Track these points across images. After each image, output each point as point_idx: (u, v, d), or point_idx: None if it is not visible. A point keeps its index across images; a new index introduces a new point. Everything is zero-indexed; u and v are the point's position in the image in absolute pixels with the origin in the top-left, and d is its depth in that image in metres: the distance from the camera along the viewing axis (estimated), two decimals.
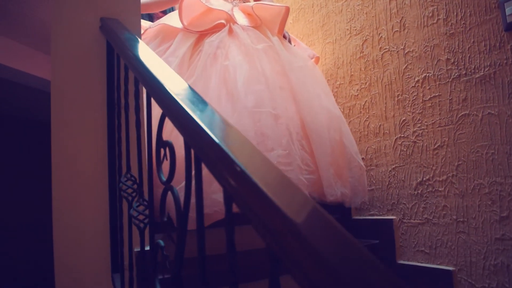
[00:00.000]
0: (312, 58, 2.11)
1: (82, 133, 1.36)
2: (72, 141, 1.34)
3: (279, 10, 1.89)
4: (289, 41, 2.03)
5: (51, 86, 1.38)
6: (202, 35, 1.83)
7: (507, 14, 1.43)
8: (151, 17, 3.17)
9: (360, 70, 1.99)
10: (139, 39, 1.22)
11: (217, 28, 1.84)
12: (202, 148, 0.61)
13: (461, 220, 1.56)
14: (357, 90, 2.00)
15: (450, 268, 1.58)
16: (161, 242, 0.98)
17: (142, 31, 1.96)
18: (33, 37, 2.92)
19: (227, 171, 0.53)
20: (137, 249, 1.34)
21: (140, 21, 1.51)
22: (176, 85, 0.81)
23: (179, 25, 1.83)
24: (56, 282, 1.31)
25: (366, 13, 1.95)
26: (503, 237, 1.43)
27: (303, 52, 2.10)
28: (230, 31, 1.83)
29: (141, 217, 1.14)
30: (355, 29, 2.02)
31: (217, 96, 1.61)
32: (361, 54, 1.98)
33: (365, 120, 1.95)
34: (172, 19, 1.89)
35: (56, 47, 1.40)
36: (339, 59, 2.12)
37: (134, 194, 1.23)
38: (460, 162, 1.57)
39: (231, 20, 1.86)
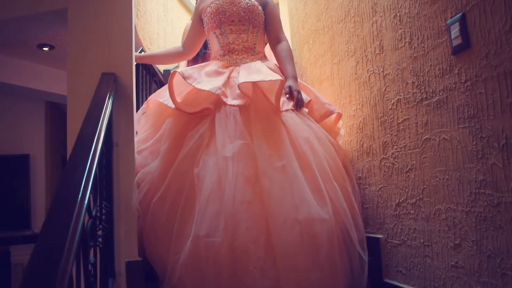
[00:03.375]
0: (330, 116, 2.06)
1: None
2: None
3: (271, 84, 1.78)
4: (296, 103, 1.84)
5: (67, 125, 1.80)
6: (191, 119, 1.84)
7: (452, 37, 1.41)
8: None
9: (355, 91, 2.04)
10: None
11: (207, 111, 1.83)
12: None
13: (427, 244, 1.56)
14: (354, 110, 2.06)
15: None
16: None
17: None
18: None
19: None
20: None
21: (132, 72, 1.82)
22: None
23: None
24: None
25: (357, 35, 2.00)
26: (456, 265, 1.42)
27: (320, 108, 2.02)
28: (212, 123, 1.77)
29: (100, 239, 1.47)
30: (351, 51, 2.07)
31: (188, 212, 1.61)
32: (356, 76, 2.03)
33: (360, 140, 2.01)
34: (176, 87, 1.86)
35: (70, 94, 1.81)
36: (341, 79, 2.19)
37: (105, 219, 1.57)
38: (425, 186, 1.57)
39: (219, 102, 1.81)
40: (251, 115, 1.78)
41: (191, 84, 1.78)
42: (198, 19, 2.23)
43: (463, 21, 1.36)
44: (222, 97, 1.80)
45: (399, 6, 1.67)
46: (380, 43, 1.81)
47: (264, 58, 2.15)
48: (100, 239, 1.46)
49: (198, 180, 1.63)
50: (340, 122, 2.16)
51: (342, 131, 2.16)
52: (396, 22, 1.70)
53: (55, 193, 1.03)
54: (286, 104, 1.87)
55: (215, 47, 2.15)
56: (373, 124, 1.89)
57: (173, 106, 1.83)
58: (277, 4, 4.15)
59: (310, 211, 1.57)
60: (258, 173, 1.62)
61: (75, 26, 1.84)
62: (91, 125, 1.32)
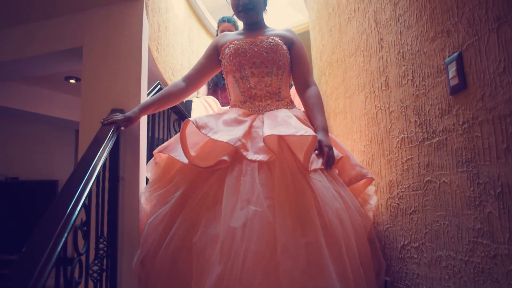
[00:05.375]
0: (361, 180, 1.79)
1: None
2: None
3: (302, 139, 1.57)
4: (327, 161, 1.64)
5: (78, 150, 1.87)
6: (201, 173, 1.65)
7: (450, 77, 1.36)
8: None
9: (365, 126, 2.00)
10: None
11: (222, 164, 1.61)
12: None
13: None
14: (364, 146, 2.01)
15: None
16: None
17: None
18: None
19: None
20: None
21: None
22: None
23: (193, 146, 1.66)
24: None
25: (366, 70, 1.97)
26: None
27: (351, 170, 1.77)
28: (221, 181, 1.57)
29: (95, 275, 1.50)
30: (360, 86, 2.04)
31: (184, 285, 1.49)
32: (365, 111, 1.99)
33: None
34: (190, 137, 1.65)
35: (83, 128, 1.90)
36: (353, 113, 2.15)
37: (104, 255, 1.61)
38: (427, 230, 1.50)
39: (237, 155, 1.61)
40: (274, 174, 1.54)
41: (206, 135, 1.57)
42: (213, 52, 2.00)
43: (459, 61, 1.31)
44: (241, 150, 1.58)
45: (402, 42, 1.63)
46: (386, 79, 1.77)
47: (290, 104, 1.93)
48: (95, 274, 1.49)
49: (196, 250, 1.46)
50: (372, 188, 1.87)
51: (373, 199, 1.87)
52: (400, 59, 1.66)
53: (32, 236, 1.06)
54: (314, 162, 1.63)
55: (234, 93, 1.94)
56: (380, 162, 1.84)
57: (186, 161, 1.63)
58: (307, 32, 4.16)
59: None
60: (276, 249, 1.37)
61: (88, 63, 1.94)
62: (84, 164, 1.36)
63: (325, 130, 1.74)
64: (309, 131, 1.56)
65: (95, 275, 1.48)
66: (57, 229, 1.05)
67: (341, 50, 2.30)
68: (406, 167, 1.63)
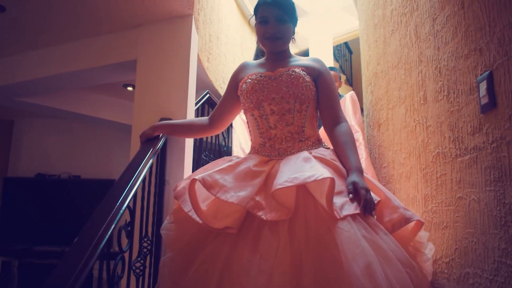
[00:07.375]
0: (406, 224, 1.46)
1: None
2: None
3: (319, 186, 1.38)
4: (365, 206, 1.39)
5: (130, 155, 2.04)
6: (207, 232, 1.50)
7: (481, 95, 1.36)
8: None
9: (405, 139, 2.01)
10: None
11: (230, 230, 1.45)
12: None
13: None
14: (404, 158, 2.02)
15: None
16: None
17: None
18: None
19: None
20: None
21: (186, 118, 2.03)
22: None
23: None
24: None
25: (407, 83, 1.98)
26: None
27: (393, 214, 1.47)
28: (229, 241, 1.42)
29: (138, 270, 1.66)
30: (401, 98, 2.05)
31: None
32: (405, 123, 2.00)
33: (407, 189, 1.96)
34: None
35: (134, 136, 2.07)
36: (395, 125, 2.16)
37: (147, 252, 1.76)
38: (457, 246, 1.51)
39: (248, 214, 1.45)
40: (281, 237, 1.35)
41: (215, 195, 1.41)
42: (232, 87, 1.83)
43: (490, 80, 1.31)
44: (255, 210, 1.40)
45: (439, 58, 1.64)
46: (424, 94, 1.79)
47: (316, 143, 1.69)
48: (137, 270, 1.65)
49: None
50: (424, 235, 1.55)
51: (429, 248, 1.54)
52: (437, 74, 1.67)
53: (80, 233, 1.22)
54: (346, 207, 1.37)
55: (254, 134, 1.75)
56: (417, 175, 1.85)
57: (199, 220, 1.46)
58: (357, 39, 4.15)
59: None
60: None
61: (141, 75, 2.12)
62: (130, 171, 1.52)
63: (360, 171, 1.53)
64: (325, 174, 1.35)
65: (137, 271, 1.63)
66: (100, 229, 1.20)
67: (385, 62, 2.32)
68: (440, 182, 1.63)
